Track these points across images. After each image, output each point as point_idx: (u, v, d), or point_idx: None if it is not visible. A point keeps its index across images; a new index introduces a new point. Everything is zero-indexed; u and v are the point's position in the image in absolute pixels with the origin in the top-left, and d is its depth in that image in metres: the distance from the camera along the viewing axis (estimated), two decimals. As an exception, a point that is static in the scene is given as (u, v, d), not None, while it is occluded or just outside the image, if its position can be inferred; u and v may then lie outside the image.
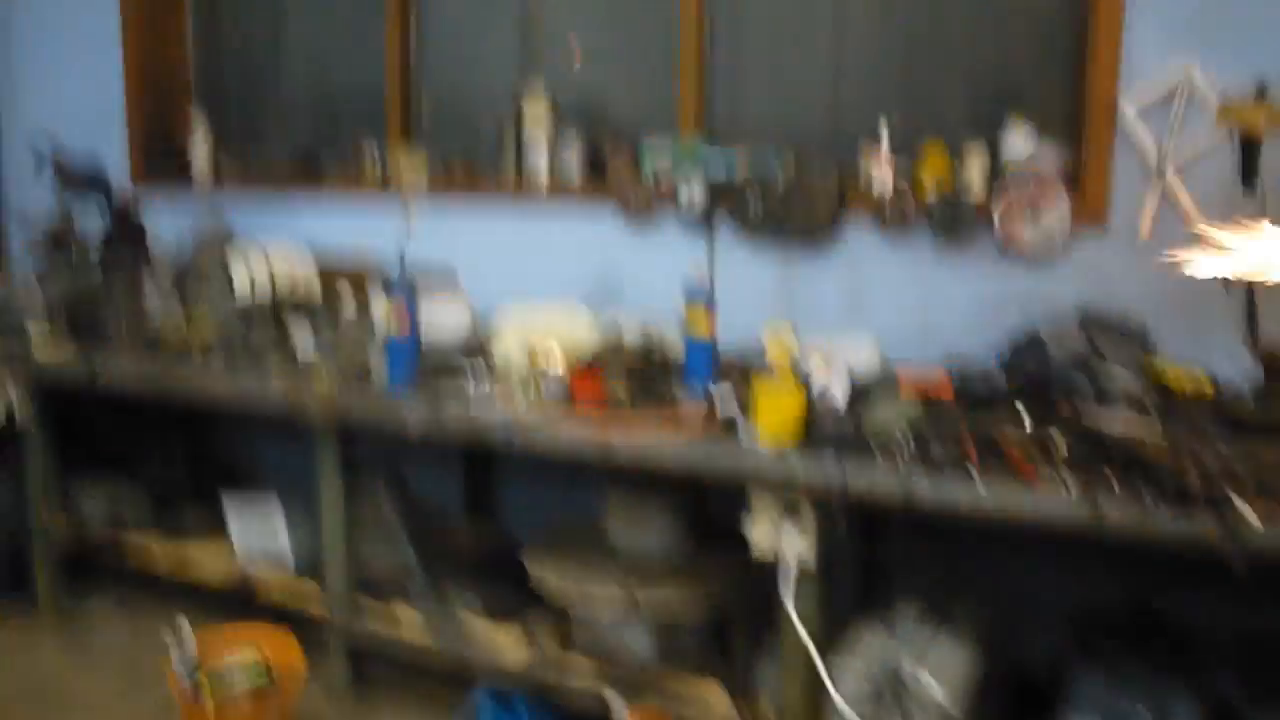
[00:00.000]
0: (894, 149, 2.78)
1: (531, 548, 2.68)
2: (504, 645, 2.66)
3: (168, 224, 3.71)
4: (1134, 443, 2.08)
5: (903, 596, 2.36)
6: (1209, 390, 2.45)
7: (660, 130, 3.13)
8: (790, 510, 2.17)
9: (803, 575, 2.18)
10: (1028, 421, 2.25)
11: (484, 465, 3.38)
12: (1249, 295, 2.46)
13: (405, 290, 2.64)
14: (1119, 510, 1.90)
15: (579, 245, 3.19)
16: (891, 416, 2.25)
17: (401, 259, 2.67)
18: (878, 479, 2.08)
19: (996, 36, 2.81)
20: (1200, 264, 2.28)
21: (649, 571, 2.52)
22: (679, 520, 2.60)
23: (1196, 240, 2.32)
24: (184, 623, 2.67)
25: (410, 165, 3.31)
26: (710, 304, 2.51)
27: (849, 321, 2.85)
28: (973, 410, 2.34)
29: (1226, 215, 2.37)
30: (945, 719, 2.04)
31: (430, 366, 2.71)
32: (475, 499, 3.41)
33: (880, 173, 2.80)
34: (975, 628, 2.29)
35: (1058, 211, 2.66)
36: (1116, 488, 1.96)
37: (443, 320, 2.88)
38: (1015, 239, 2.70)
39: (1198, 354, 2.52)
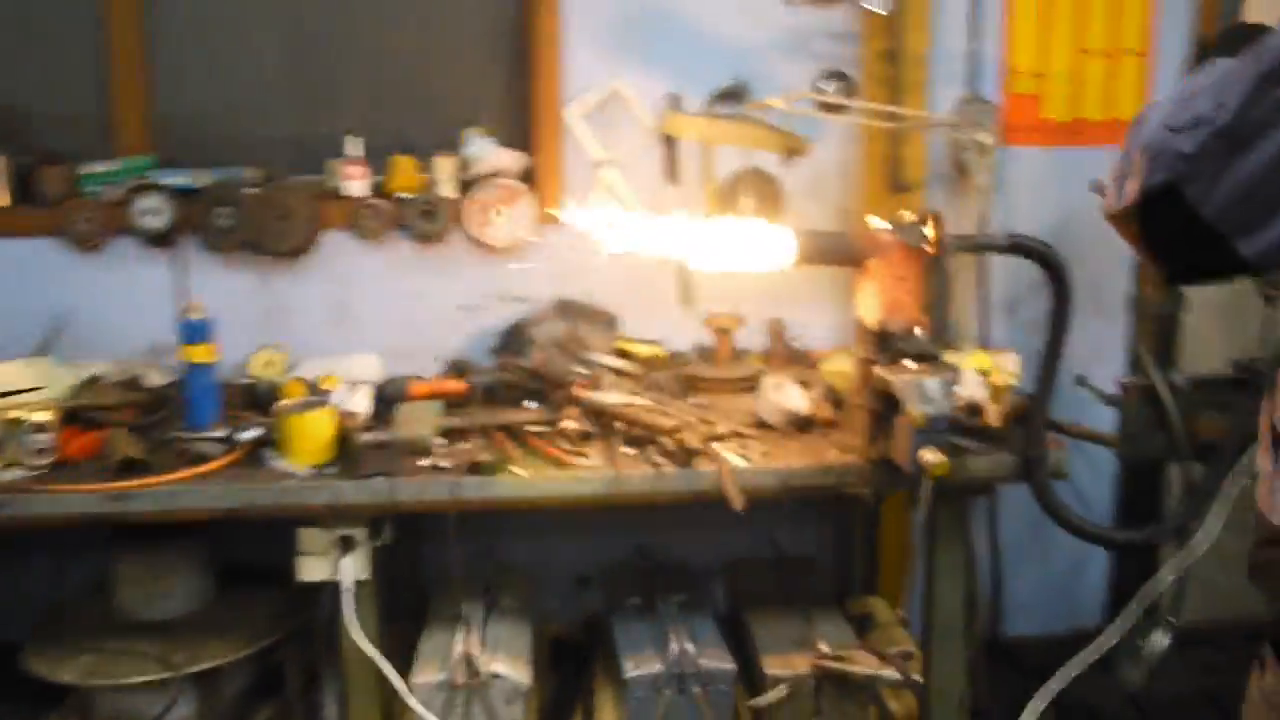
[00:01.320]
0: (366, 161, 2.83)
1: (31, 642, 2.34)
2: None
3: None
4: (631, 413, 2.39)
5: (458, 589, 2.47)
6: (665, 358, 2.87)
7: (104, 150, 2.85)
8: (339, 532, 2.16)
9: (360, 594, 2.18)
10: (541, 408, 2.47)
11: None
12: (685, 271, 2.93)
13: None
14: (637, 475, 2.18)
15: (18, 283, 2.78)
16: (419, 422, 2.33)
17: None
18: (421, 485, 2.15)
19: (455, 58, 2.98)
20: (641, 247, 2.64)
21: (182, 635, 2.34)
22: (208, 571, 2.44)
23: (636, 227, 2.69)
24: None
25: None
26: (207, 333, 2.38)
27: (341, 334, 2.86)
28: (490, 405, 2.50)
29: (658, 204, 2.77)
30: (517, 693, 2.20)
31: None
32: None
33: (354, 185, 2.83)
34: (526, 603, 2.48)
35: (521, 210, 2.90)
36: (630, 455, 2.25)
37: None
38: (486, 239, 2.90)
39: (652, 327, 2.93)
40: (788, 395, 2.37)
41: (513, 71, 2.98)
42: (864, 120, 2.81)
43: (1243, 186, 1.04)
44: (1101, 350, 3.06)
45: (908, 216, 1.99)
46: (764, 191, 2.82)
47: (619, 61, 2.87)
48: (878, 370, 2.03)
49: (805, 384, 2.43)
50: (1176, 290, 2.94)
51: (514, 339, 2.83)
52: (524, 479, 2.15)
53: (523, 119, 2.97)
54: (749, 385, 2.58)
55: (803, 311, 2.96)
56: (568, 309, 2.87)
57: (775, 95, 2.63)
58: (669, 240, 2.23)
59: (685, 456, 2.19)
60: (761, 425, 2.38)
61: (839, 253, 2.04)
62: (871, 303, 2.04)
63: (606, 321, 2.90)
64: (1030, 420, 2.12)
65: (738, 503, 2.09)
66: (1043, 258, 1.96)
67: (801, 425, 2.34)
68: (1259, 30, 1.05)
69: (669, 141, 2.82)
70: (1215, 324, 3.01)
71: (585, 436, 2.33)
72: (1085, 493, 3.17)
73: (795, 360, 2.79)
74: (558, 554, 2.96)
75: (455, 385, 2.53)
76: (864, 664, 2.22)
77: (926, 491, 1.92)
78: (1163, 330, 2.97)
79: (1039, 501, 2.15)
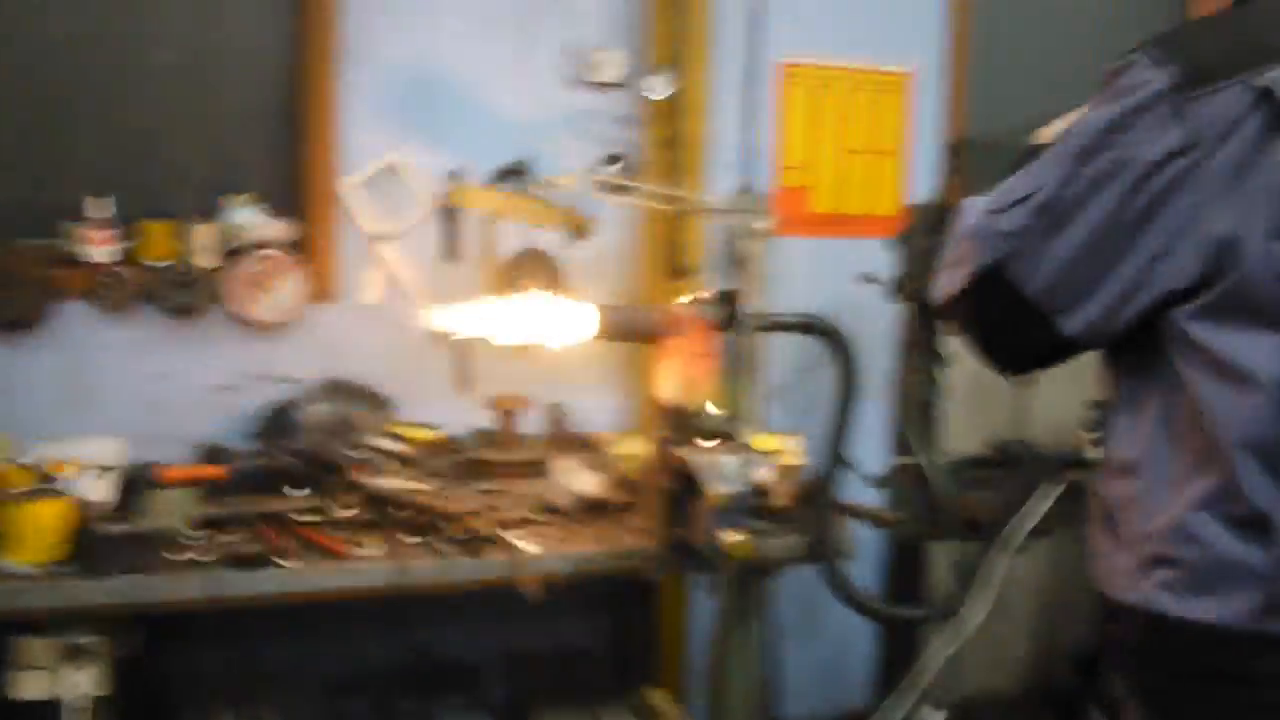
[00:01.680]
0: (114, 228, 2.56)
1: None
2: None
3: None
4: (413, 499, 2.24)
5: (209, 701, 2.20)
6: (445, 442, 2.73)
7: None
8: (68, 640, 1.88)
9: (94, 714, 1.89)
10: (311, 495, 2.27)
11: None
12: (463, 352, 2.81)
13: None
14: (422, 565, 2.02)
15: None
16: (171, 512, 2.09)
17: None
18: (173, 581, 1.91)
19: (218, 121, 2.76)
20: (419, 325, 2.51)
21: None
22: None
23: (414, 305, 2.57)
24: None
25: None
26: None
27: (78, 415, 2.54)
28: (252, 492, 2.27)
29: (438, 281, 2.67)
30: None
31: None
32: None
33: (97, 251, 2.55)
34: (288, 713, 2.24)
35: (289, 285, 2.71)
36: (412, 544, 2.09)
37: None
38: (249, 314, 2.69)
39: (426, 410, 2.78)
40: (578, 479, 2.29)
41: (285, 138, 2.80)
42: (645, 203, 2.83)
43: (1062, 263, 1.08)
44: (862, 433, 3.17)
45: (707, 294, 1.98)
46: (545, 271, 2.77)
47: (400, 134, 2.76)
48: (675, 449, 1.99)
49: (595, 467, 2.36)
50: (934, 375, 3.10)
51: (279, 421, 2.61)
52: (293, 572, 1.95)
53: (295, 188, 2.79)
54: (536, 469, 2.49)
55: (581, 395, 2.91)
56: (338, 390, 2.69)
57: (558, 176, 2.61)
58: (455, 318, 2.13)
59: (474, 545, 2.07)
60: (552, 510, 2.29)
61: (639, 328, 2.01)
62: (669, 380, 2.01)
63: (379, 403, 2.74)
64: (820, 500, 2.13)
65: (534, 593, 1.98)
66: (835, 337, 2.00)
67: (593, 509, 2.27)
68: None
69: (450, 216, 2.74)
70: (969, 406, 3.19)
71: (362, 525, 2.16)
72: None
73: (578, 444, 2.72)
74: (324, 655, 2.70)
75: (213, 471, 2.29)
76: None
77: (728, 574, 1.88)
78: (923, 413, 3.12)
79: (829, 581, 2.16)
